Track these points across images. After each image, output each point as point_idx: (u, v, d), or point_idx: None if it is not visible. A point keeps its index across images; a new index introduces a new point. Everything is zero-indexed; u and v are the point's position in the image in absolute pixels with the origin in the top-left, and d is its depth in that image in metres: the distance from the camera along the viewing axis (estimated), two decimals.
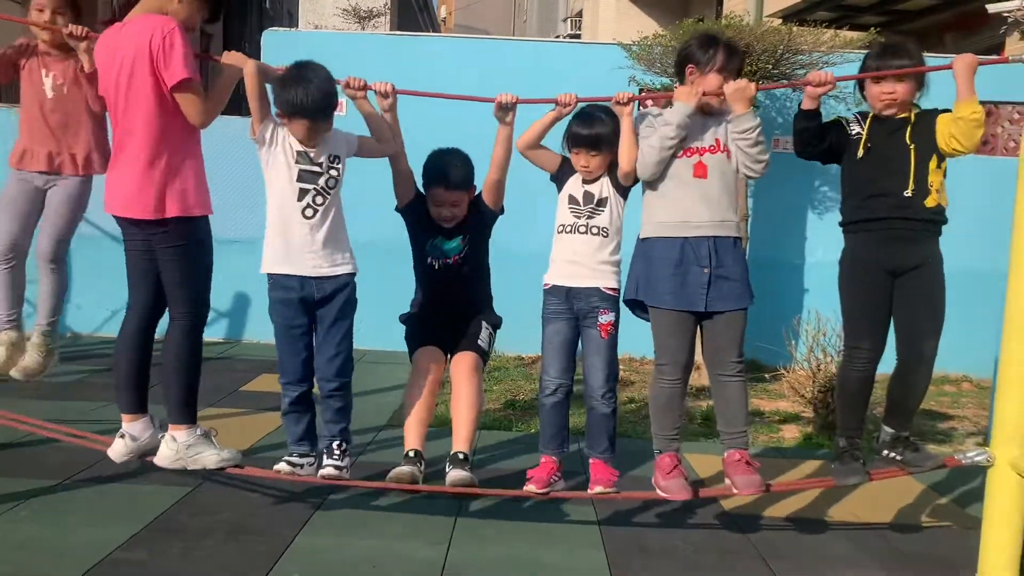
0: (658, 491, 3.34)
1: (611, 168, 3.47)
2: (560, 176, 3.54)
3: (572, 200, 3.49)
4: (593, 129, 3.41)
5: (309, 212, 3.30)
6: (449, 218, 3.57)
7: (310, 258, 3.32)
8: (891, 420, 3.39)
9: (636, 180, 3.45)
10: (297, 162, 3.29)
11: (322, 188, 3.31)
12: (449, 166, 3.54)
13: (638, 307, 3.49)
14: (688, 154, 3.33)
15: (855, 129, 3.35)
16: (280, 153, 3.31)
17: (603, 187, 3.48)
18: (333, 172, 3.33)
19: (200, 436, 3.38)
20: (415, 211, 3.62)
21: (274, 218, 3.36)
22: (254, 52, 5.62)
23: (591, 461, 3.51)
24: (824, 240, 7.09)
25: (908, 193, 3.21)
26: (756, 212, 6.87)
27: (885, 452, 3.38)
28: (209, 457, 3.38)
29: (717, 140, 3.34)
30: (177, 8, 3.26)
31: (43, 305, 3.99)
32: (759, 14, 9.45)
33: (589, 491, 3.42)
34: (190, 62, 3.15)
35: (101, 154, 3.88)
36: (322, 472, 3.42)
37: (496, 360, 7.03)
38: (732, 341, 3.34)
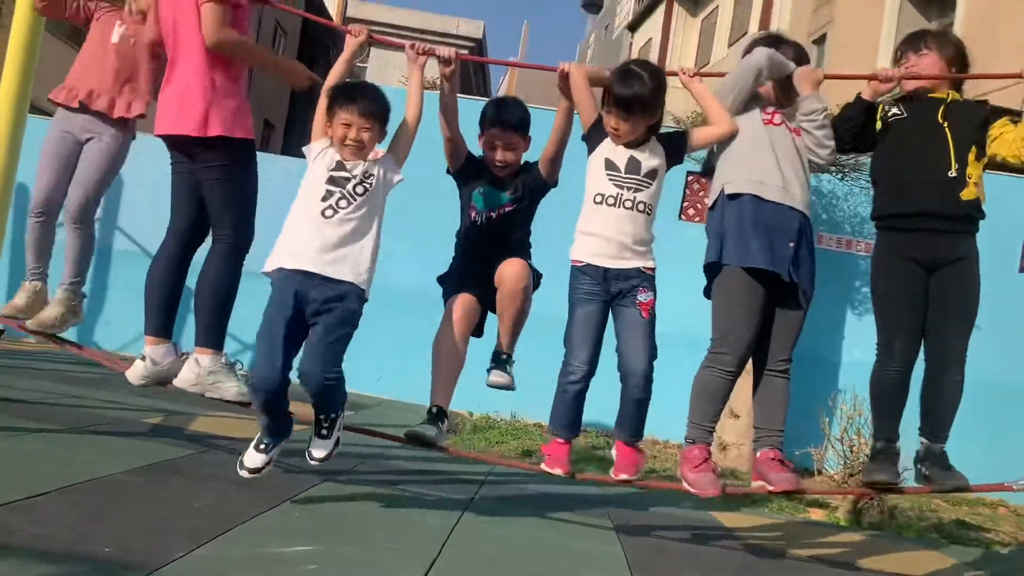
0: (684, 484, 3.14)
1: (670, 143, 3.31)
2: (593, 135, 3.28)
3: (610, 165, 3.22)
4: (631, 89, 3.11)
5: (329, 212, 3.04)
6: (503, 162, 3.46)
7: (317, 255, 2.98)
8: (924, 429, 3.23)
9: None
10: (331, 169, 3.11)
11: (348, 193, 3.07)
12: (505, 107, 3.52)
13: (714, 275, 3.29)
14: (786, 127, 3.29)
15: (892, 111, 3.33)
16: (320, 163, 3.14)
17: (654, 159, 3.23)
18: (367, 183, 3.11)
19: (224, 365, 3.30)
20: (467, 169, 3.55)
21: (291, 218, 3.10)
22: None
23: (618, 444, 3.29)
24: (861, 342, 6.97)
25: (952, 173, 3.15)
26: None
27: (917, 466, 3.22)
28: (229, 388, 3.29)
29: (800, 129, 3.31)
30: None
31: (68, 265, 3.90)
32: None
33: (614, 475, 3.22)
34: None
35: (143, 102, 3.88)
36: (312, 458, 3.11)
37: (514, 423, 6.88)
38: (790, 335, 3.23)
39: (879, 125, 3.33)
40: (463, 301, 3.41)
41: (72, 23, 4.07)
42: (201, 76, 3.27)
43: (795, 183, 3.24)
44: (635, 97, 3.11)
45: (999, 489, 3.14)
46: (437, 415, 3.24)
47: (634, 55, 26.42)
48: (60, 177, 3.83)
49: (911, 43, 3.39)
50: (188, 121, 3.26)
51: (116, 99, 3.82)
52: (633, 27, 27.85)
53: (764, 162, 3.22)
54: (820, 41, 17.51)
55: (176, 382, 3.29)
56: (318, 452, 3.12)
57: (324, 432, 3.15)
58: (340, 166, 3.12)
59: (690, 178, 7.34)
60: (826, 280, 6.95)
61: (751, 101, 3.30)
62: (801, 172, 3.26)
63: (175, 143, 3.36)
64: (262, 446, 3.13)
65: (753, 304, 3.17)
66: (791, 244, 3.17)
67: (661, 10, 25.05)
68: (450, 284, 3.54)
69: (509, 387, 3.47)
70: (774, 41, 3.42)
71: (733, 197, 3.23)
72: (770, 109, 3.32)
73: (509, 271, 3.39)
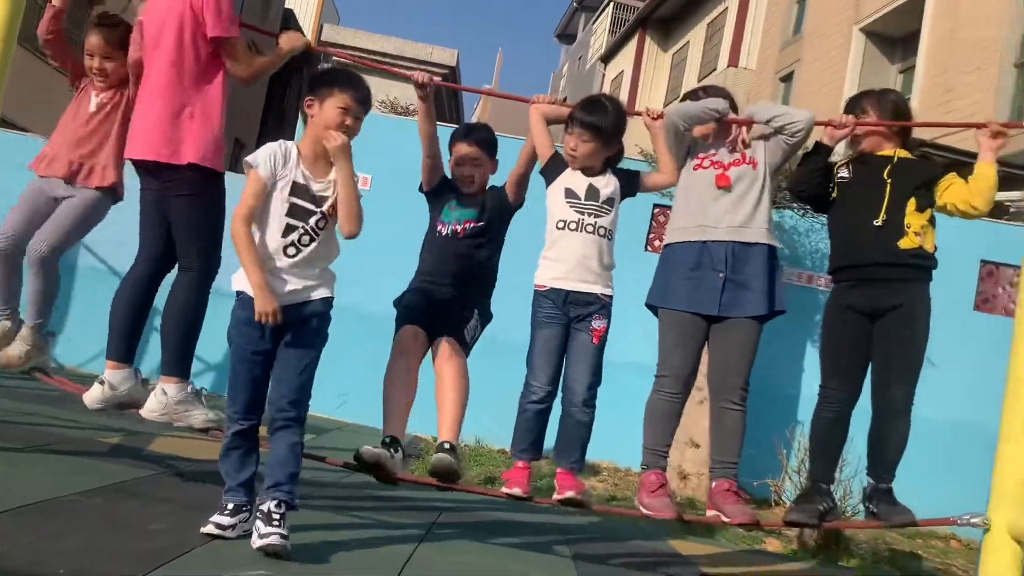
0: (641, 508, 3.21)
1: (624, 176, 3.44)
2: (550, 168, 3.42)
3: (569, 193, 3.34)
4: (594, 116, 3.30)
5: (292, 251, 2.87)
6: (469, 178, 3.55)
7: (282, 287, 2.85)
8: (871, 470, 3.35)
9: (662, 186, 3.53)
10: (292, 194, 2.88)
11: (311, 228, 2.89)
12: (473, 128, 3.67)
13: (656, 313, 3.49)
14: (715, 167, 3.40)
15: (842, 173, 3.48)
16: (283, 182, 2.89)
17: (611, 186, 3.37)
18: (327, 214, 2.91)
19: (190, 393, 3.30)
20: (439, 188, 3.62)
21: (259, 244, 2.89)
22: (292, 121, 5.86)
23: (559, 471, 3.33)
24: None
25: (878, 223, 3.27)
26: None
27: (864, 503, 3.32)
28: (197, 416, 3.28)
29: (743, 154, 3.42)
30: None
31: (29, 307, 3.85)
32: None
33: (557, 496, 3.26)
34: (234, 20, 3.27)
35: (118, 169, 3.86)
36: (264, 543, 2.73)
37: (478, 448, 6.88)
38: (740, 361, 3.27)
39: (834, 192, 3.46)
40: (411, 332, 3.44)
41: (55, 61, 3.98)
42: (179, 103, 3.25)
43: (718, 215, 3.34)
44: (596, 122, 3.29)
45: (946, 523, 3.21)
46: (391, 444, 3.25)
47: (606, 87, 26.80)
48: (30, 224, 3.75)
49: (851, 107, 3.54)
50: (161, 147, 3.24)
51: (94, 167, 3.78)
52: (606, 59, 28.24)
53: (688, 208, 3.40)
54: (787, 79, 17.88)
55: (143, 413, 3.28)
56: (274, 540, 2.75)
57: (277, 522, 2.79)
58: (303, 192, 2.88)
59: (656, 210, 7.47)
60: (787, 314, 7.12)
61: (693, 147, 3.47)
62: (727, 202, 3.34)
63: (146, 167, 3.34)
64: (225, 511, 2.88)
65: (684, 331, 3.34)
66: (720, 274, 3.28)
67: (633, 44, 25.46)
68: (402, 317, 3.52)
69: (454, 470, 3.19)
70: (700, 92, 3.56)
71: (667, 247, 3.47)
72: (702, 154, 3.45)
73: (440, 352, 3.39)
